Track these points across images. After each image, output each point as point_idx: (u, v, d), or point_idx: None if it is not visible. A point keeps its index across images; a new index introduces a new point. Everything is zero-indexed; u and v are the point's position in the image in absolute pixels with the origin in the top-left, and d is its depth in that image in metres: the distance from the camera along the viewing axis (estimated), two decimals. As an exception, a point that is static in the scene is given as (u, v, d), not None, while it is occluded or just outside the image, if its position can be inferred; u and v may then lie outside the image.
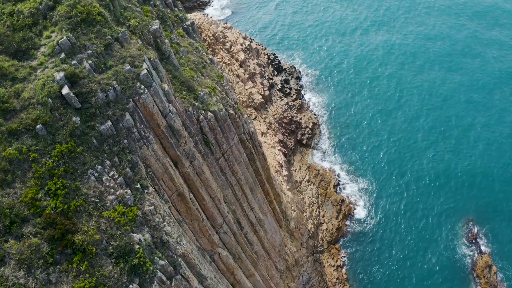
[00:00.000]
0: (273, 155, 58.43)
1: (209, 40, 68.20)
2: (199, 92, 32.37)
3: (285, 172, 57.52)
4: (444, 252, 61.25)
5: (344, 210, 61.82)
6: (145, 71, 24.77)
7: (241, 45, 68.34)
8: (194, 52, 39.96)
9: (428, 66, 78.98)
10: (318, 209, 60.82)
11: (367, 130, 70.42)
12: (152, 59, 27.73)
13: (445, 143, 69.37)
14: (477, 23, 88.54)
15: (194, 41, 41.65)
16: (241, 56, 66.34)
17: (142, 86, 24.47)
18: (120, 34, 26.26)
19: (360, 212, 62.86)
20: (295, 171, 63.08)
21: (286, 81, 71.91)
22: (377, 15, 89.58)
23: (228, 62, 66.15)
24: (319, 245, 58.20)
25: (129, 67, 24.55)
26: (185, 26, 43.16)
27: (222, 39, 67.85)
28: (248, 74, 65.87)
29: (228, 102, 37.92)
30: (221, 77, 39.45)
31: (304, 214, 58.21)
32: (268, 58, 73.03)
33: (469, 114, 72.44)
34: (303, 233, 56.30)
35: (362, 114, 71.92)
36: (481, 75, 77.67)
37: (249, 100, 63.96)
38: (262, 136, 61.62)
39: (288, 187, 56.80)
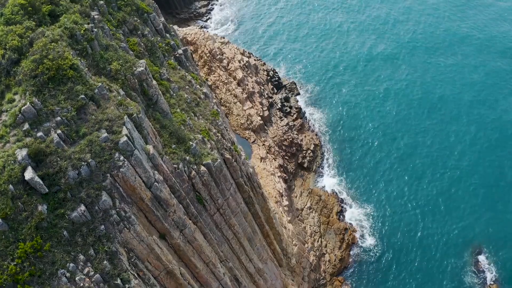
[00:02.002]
0: (273, 183, 55.01)
1: (206, 57, 64.41)
2: (191, 143, 28.80)
3: (285, 202, 54.14)
4: (452, 281, 58.30)
5: (348, 239, 58.54)
6: (125, 138, 21.19)
7: (239, 61, 64.56)
8: (187, 87, 36.32)
9: (433, 80, 75.42)
10: (320, 239, 57.54)
11: (371, 151, 66.95)
12: (135, 114, 24.17)
13: (453, 164, 66.00)
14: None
15: (187, 73, 37.99)
16: (239, 74, 62.60)
17: (122, 157, 20.90)
18: (97, 90, 22.64)
19: (364, 241, 59.57)
20: (296, 197, 59.70)
21: (286, 99, 68.24)
22: (383, 29, 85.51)
23: (226, 81, 62.43)
24: (321, 277, 55.00)
25: (106, 134, 20.97)
26: (177, 55, 39.46)
27: (219, 55, 64.04)
28: (246, 94, 62.20)
29: (224, 144, 34.39)
30: (216, 115, 35.87)
31: (306, 245, 54.95)
32: (268, 75, 69.30)
33: (476, 133, 69.08)
34: (304, 266, 53.08)
35: (366, 133, 68.40)
36: (488, 92, 74.23)
37: (248, 122, 60.36)
38: (261, 161, 58.15)
39: (288, 218, 53.46)
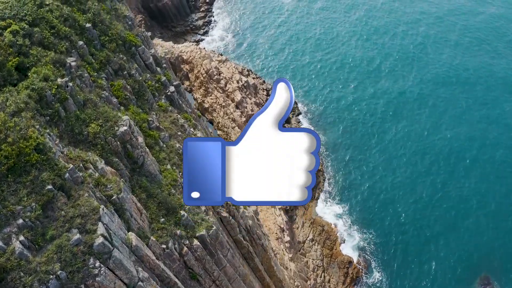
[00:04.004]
0: (274, 217, 51.59)
1: (202, 78, 60.58)
2: (182, 213, 25.20)
3: (287, 238, 50.77)
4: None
5: (352, 273, 55.32)
6: (101, 239, 17.58)
7: (237, 82, 60.75)
8: (179, 133, 32.62)
9: (439, 103, 71.83)
10: (323, 274, 54.31)
11: (377, 176, 63.56)
12: (115, 196, 20.57)
13: (462, 190, 62.78)
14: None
15: (179, 115, 34.25)
16: (238, 96, 58.83)
17: (97, 263, 17.31)
18: (67, 175, 18.95)
19: (369, 275, 56.40)
20: (297, 228, 56.34)
21: (287, 121, 64.58)
22: (390, 50, 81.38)
23: (223, 103, 58.67)
24: (325, 316, 51.89)
25: (78, 235, 17.35)
26: (169, 93, 35.69)
27: (216, 76, 60.20)
28: (245, 117, 58.47)
29: (221, 201, 30.81)
30: (212, 166, 32.20)
31: (308, 282, 51.73)
32: (267, 94, 65.57)
33: (487, 155, 65.76)
34: (306, 306, 49.95)
35: (371, 157, 64.96)
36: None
37: (246, 149, 56.72)
38: (260, 192, 54.64)
39: (290, 255, 50.12)
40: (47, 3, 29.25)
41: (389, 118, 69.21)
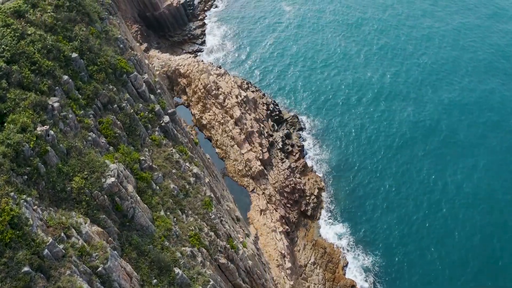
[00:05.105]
0: (274, 243, 49.43)
1: (200, 93, 58.13)
2: (176, 271, 23.00)
3: (288, 264, 48.64)
4: None
5: (355, 297, 53.34)
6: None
7: (236, 97, 58.28)
8: (174, 171, 30.33)
9: (447, 115, 69.44)
10: (325, 298, 52.28)
11: (379, 194, 61.23)
12: (101, 267, 18.37)
13: (467, 211, 60.60)
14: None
15: (173, 149, 31.90)
16: (237, 112, 56.42)
17: None
18: (46, 251, 16.73)
19: (373, 299, 54.42)
20: (299, 251, 54.22)
21: (288, 136, 62.27)
22: (396, 60, 78.69)
23: (222, 120, 56.24)
24: None
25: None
26: (163, 124, 33.34)
27: (214, 91, 57.74)
28: (244, 134, 56.14)
29: (218, 246, 28.61)
30: (208, 205, 29.98)
31: (310, 309, 49.68)
32: (267, 109, 63.17)
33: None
34: (309, 334, 47.97)
35: (374, 174, 62.63)
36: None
37: (246, 169, 54.44)
38: (261, 214, 52.48)
39: (291, 283, 48.00)
40: (29, 33, 26.89)
41: (395, 136, 66.74)
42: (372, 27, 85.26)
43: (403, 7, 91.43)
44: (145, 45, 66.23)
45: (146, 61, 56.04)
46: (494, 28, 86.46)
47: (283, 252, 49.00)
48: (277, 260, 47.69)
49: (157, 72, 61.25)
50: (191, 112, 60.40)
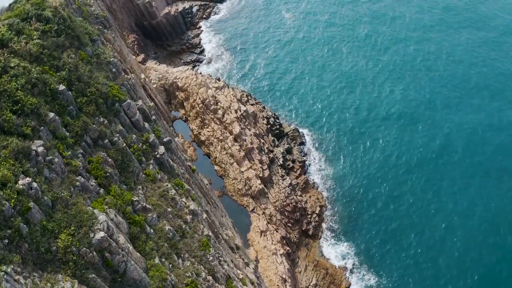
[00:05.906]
0: (275, 267, 47.74)
1: (198, 108, 56.20)
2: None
3: (289, 289, 46.98)
4: None
5: (358, 321, 51.78)
6: None
7: (236, 111, 56.37)
8: (170, 209, 28.53)
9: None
10: (327, 322, 50.72)
11: (387, 210, 59.43)
12: None
13: (473, 229, 58.84)
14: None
15: (169, 185, 30.05)
16: (236, 128, 54.54)
17: None
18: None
19: (377, 323, 52.83)
20: (300, 273, 52.55)
21: (289, 151, 60.43)
22: (406, 73, 76.21)
23: (221, 137, 54.38)
24: None
25: None
26: (158, 155, 31.50)
27: (213, 106, 55.83)
28: (244, 151, 54.31)
29: (217, 291, 26.90)
30: (206, 247, 28.20)
31: (312, 334, 48.12)
32: (268, 123, 61.28)
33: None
34: None
35: (378, 191, 60.81)
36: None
37: (246, 188, 52.66)
38: (261, 235, 50.74)
39: (293, 309, 46.42)
40: (12, 65, 24.96)
41: (402, 154, 64.53)
42: (381, 40, 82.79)
43: (411, 20, 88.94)
44: (142, 56, 64.21)
45: (142, 76, 54.11)
46: None
47: (284, 276, 47.33)
48: (277, 285, 46.03)
49: (154, 86, 59.31)
50: (189, 127, 58.52)
